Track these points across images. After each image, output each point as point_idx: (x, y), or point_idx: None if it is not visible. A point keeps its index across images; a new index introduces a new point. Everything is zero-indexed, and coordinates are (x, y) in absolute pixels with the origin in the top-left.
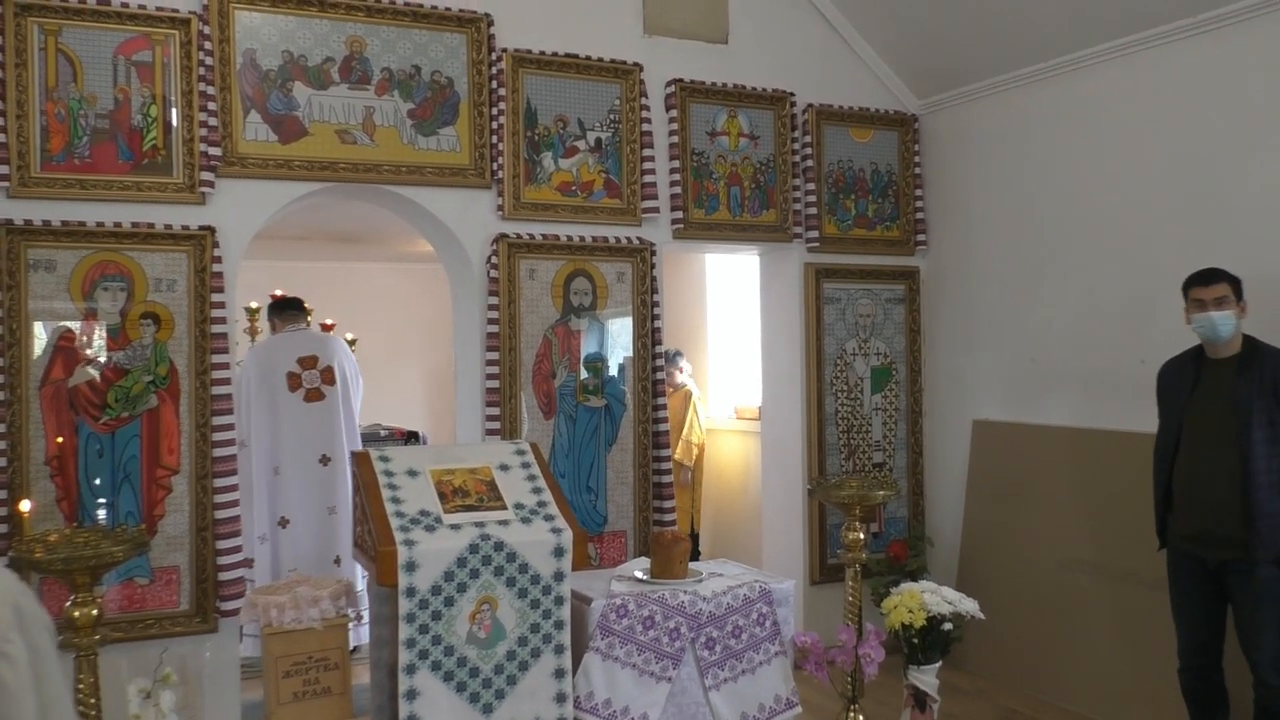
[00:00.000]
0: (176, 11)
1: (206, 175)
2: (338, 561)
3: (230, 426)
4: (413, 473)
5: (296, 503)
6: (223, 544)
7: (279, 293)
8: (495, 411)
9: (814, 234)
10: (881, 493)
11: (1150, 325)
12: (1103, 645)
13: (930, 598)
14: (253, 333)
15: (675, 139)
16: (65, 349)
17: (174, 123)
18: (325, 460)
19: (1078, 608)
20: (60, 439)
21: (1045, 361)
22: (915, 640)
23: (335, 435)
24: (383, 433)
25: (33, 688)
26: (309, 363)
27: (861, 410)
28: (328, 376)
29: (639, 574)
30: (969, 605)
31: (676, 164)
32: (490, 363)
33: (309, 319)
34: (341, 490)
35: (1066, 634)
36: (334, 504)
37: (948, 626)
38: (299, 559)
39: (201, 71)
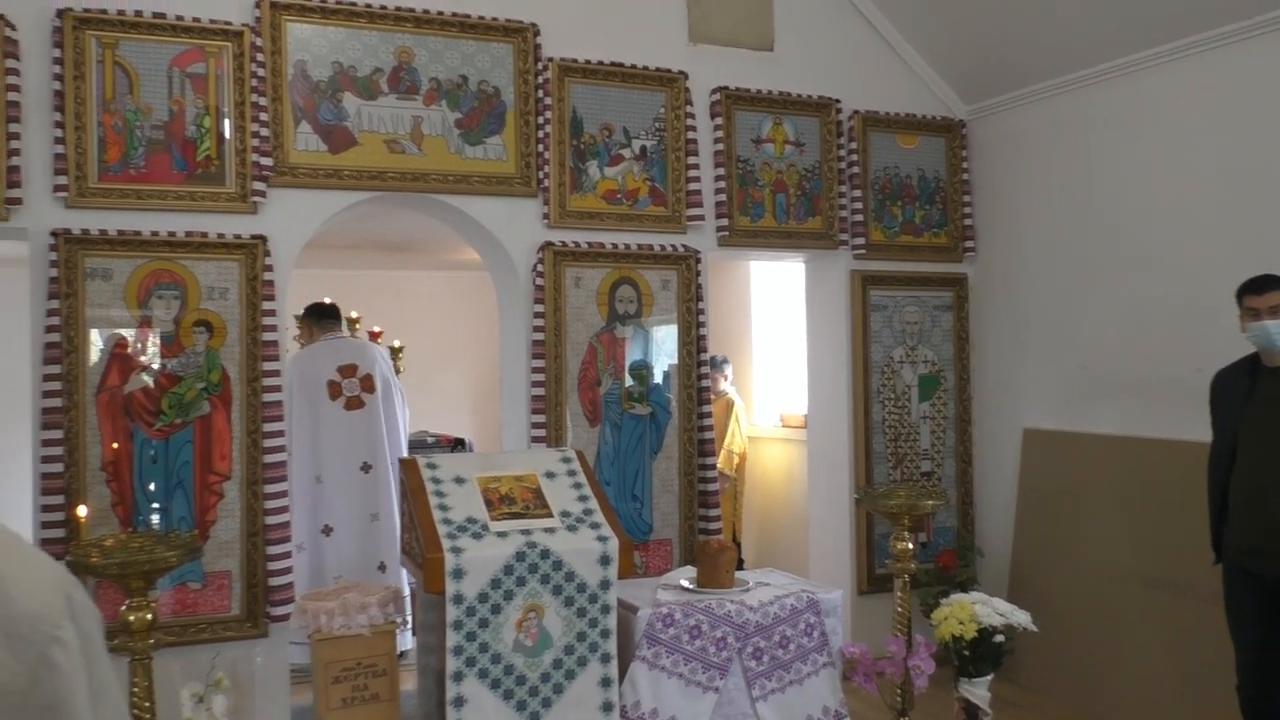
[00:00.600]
0: (229, 24)
1: (258, 185)
2: (381, 568)
3: (280, 433)
4: (460, 480)
5: (340, 510)
6: (273, 549)
7: (328, 300)
8: (541, 419)
9: (860, 241)
10: (931, 502)
11: (1205, 332)
12: (1158, 660)
13: (981, 609)
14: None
15: (720, 146)
16: (120, 356)
17: (227, 133)
18: (367, 468)
19: (1132, 620)
20: (115, 445)
21: (1097, 369)
22: (966, 652)
23: (376, 443)
24: (429, 440)
25: (85, 673)
26: (349, 371)
27: (909, 418)
28: (367, 384)
29: (685, 583)
30: (1021, 617)
31: (721, 171)
32: (536, 370)
33: (356, 327)
34: (384, 497)
35: (1121, 647)
36: (376, 511)
37: (999, 639)
38: (342, 566)
39: (254, 83)
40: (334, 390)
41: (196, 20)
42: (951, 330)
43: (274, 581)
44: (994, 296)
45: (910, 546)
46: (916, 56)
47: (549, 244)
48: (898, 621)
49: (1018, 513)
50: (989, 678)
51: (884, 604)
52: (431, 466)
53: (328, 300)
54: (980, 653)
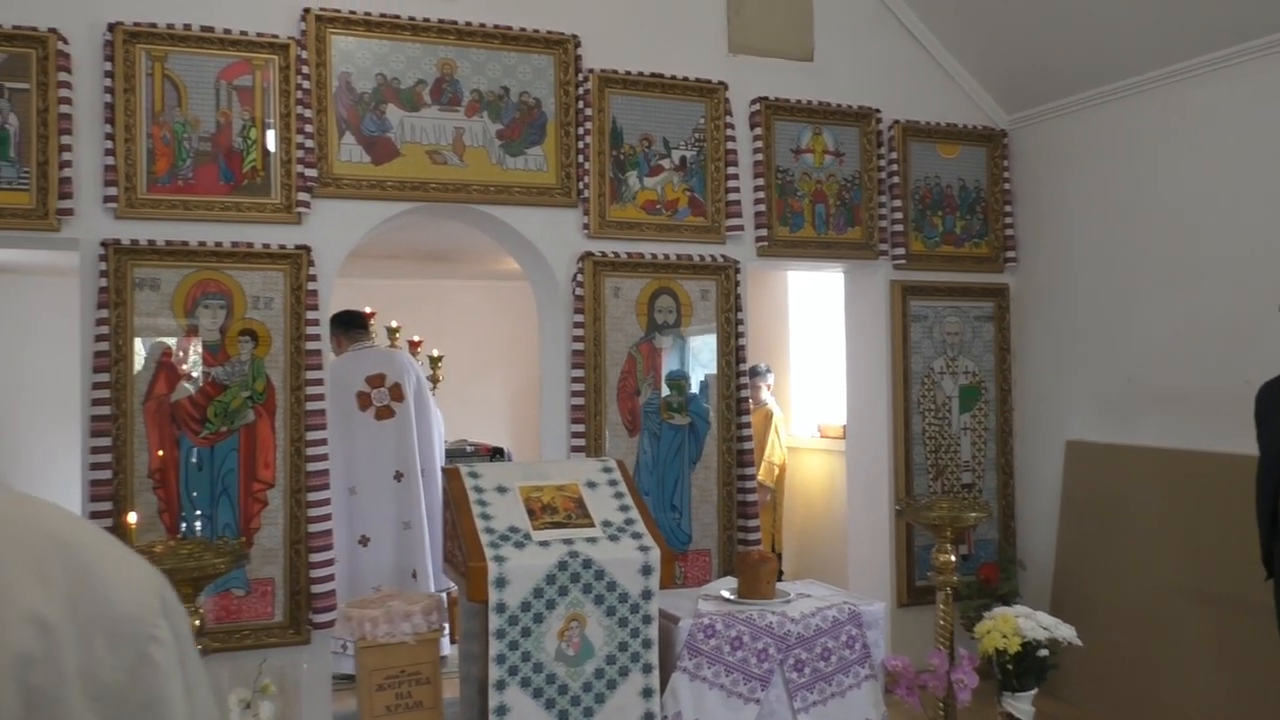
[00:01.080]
0: (276, 37)
1: (303, 196)
2: (414, 576)
3: (323, 441)
4: (502, 489)
5: (374, 520)
6: (315, 557)
7: (363, 309)
8: (580, 429)
9: (900, 251)
10: (974, 514)
11: (1253, 343)
12: (1205, 675)
13: (1025, 623)
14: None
15: (760, 156)
16: (167, 364)
17: (272, 145)
18: (399, 476)
19: (1179, 635)
20: (162, 452)
21: (1142, 381)
22: (1009, 666)
23: (407, 451)
24: (468, 449)
25: (180, 670)
26: (377, 380)
27: (949, 430)
28: (396, 393)
29: (726, 594)
30: (1066, 631)
31: (761, 181)
32: (575, 380)
33: (396, 336)
34: (415, 506)
35: (1168, 662)
36: (409, 519)
37: (1044, 653)
38: (379, 575)
39: (299, 95)
40: (363, 400)
41: (243, 33)
42: (993, 341)
43: (316, 589)
44: (1037, 307)
45: (953, 559)
46: (957, 66)
47: (589, 254)
48: (940, 634)
49: (1060, 525)
50: (1033, 692)
51: (924, 616)
52: (474, 475)
53: (360, 309)
54: (1024, 667)
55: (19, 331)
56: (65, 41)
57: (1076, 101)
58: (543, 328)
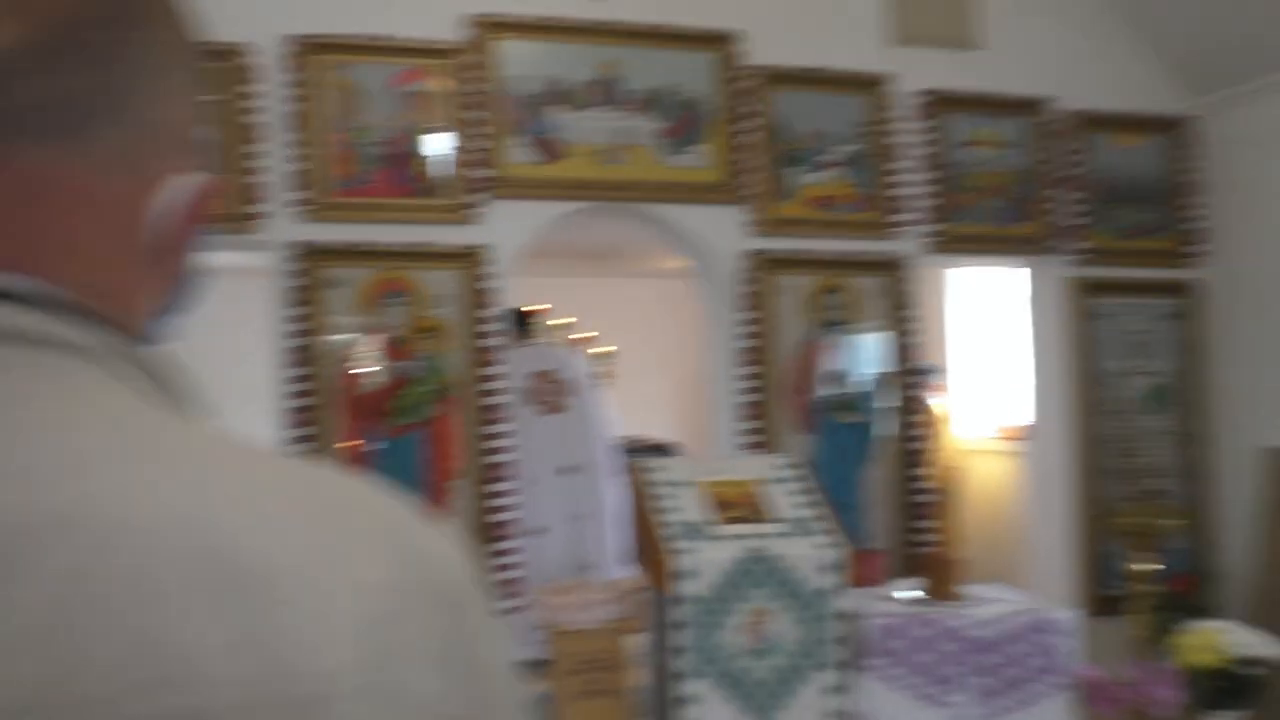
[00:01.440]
0: (444, 43)
1: (475, 197)
2: (589, 568)
3: (503, 434)
4: (683, 484)
5: (545, 513)
6: (498, 545)
7: (537, 306)
8: (750, 425)
9: (1079, 246)
10: (1166, 522)
11: None
12: None
13: (1227, 638)
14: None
15: (928, 150)
16: (355, 360)
17: (443, 149)
18: (569, 470)
19: None
20: (352, 445)
21: None
22: (1210, 684)
23: (576, 446)
24: (639, 444)
25: (500, 641)
26: (545, 376)
27: (1135, 432)
28: (566, 389)
29: (911, 594)
30: (1276, 650)
31: (930, 176)
32: (744, 378)
33: (566, 334)
34: (586, 500)
35: None
36: (579, 513)
37: (1250, 672)
38: (551, 567)
39: (468, 99)
40: (533, 396)
41: (414, 40)
42: (1182, 339)
43: (500, 575)
44: (1232, 304)
45: (1146, 568)
46: (1140, 48)
47: (754, 251)
48: (1134, 646)
49: (1259, 537)
50: (1240, 713)
51: (1110, 627)
52: (655, 470)
53: (530, 306)
54: (1228, 686)
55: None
56: (253, 54)
57: (1276, 83)
58: (709, 325)
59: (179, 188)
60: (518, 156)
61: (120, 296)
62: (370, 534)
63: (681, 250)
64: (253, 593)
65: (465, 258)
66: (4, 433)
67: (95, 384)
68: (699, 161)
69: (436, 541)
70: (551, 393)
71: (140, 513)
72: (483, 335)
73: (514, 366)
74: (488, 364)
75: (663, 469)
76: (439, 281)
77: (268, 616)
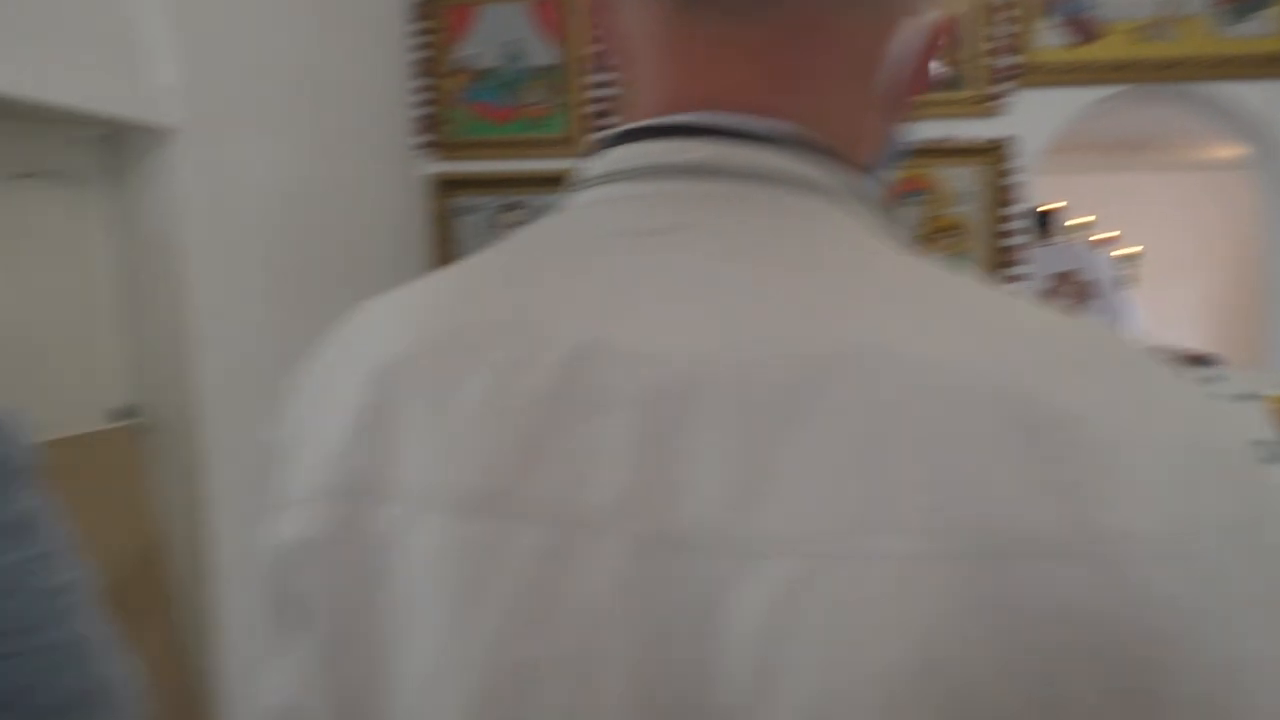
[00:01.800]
0: None
1: (1001, 87)
2: None
3: None
4: (1248, 397)
5: None
6: None
7: (1052, 205)
8: None
9: None
10: None
11: None
12: None
13: None
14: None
15: None
16: None
17: (965, 37)
18: None
19: None
20: None
21: None
22: None
23: None
24: (1174, 355)
25: None
26: (1069, 277)
27: None
28: (1089, 291)
29: None
30: None
31: None
32: None
33: (1086, 233)
34: None
35: None
36: None
37: None
38: None
39: None
40: (1054, 298)
41: None
42: None
43: None
44: None
45: None
46: None
47: None
48: None
49: None
50: None
51: None
52: (1210, 381)
53: (1050, 203)
54: None
55: None
56: None
57: None
58: (1269, 221)
59: (915, 28)
60: (1049, 40)
61: (852, 141)
62: (1161, 391)
63: (1237, 135)
64: (1055, 438)
65: (989, 153)
66: (782, 269)
67: (842, 222)
68: (1265, 29)
69: (1218, 408)
70: (1075, 294)
71: (931, 350)
72: (1005, 235)
73: (1036, 267)
74: (1010, 264)
75: (1220, 379)
76: (959, 178)
77: (1070, 465)
